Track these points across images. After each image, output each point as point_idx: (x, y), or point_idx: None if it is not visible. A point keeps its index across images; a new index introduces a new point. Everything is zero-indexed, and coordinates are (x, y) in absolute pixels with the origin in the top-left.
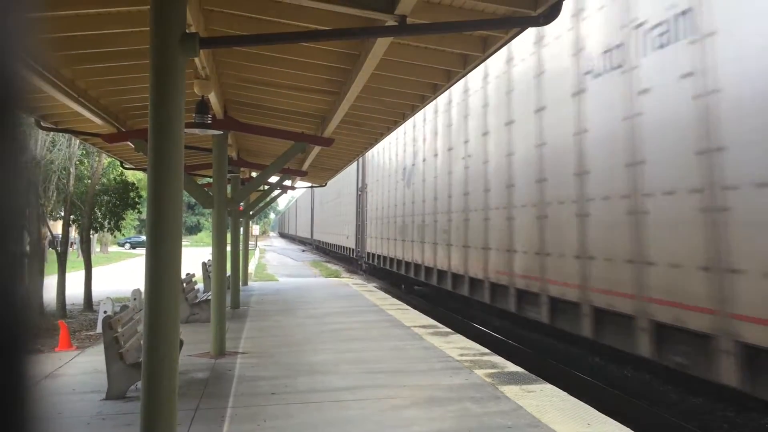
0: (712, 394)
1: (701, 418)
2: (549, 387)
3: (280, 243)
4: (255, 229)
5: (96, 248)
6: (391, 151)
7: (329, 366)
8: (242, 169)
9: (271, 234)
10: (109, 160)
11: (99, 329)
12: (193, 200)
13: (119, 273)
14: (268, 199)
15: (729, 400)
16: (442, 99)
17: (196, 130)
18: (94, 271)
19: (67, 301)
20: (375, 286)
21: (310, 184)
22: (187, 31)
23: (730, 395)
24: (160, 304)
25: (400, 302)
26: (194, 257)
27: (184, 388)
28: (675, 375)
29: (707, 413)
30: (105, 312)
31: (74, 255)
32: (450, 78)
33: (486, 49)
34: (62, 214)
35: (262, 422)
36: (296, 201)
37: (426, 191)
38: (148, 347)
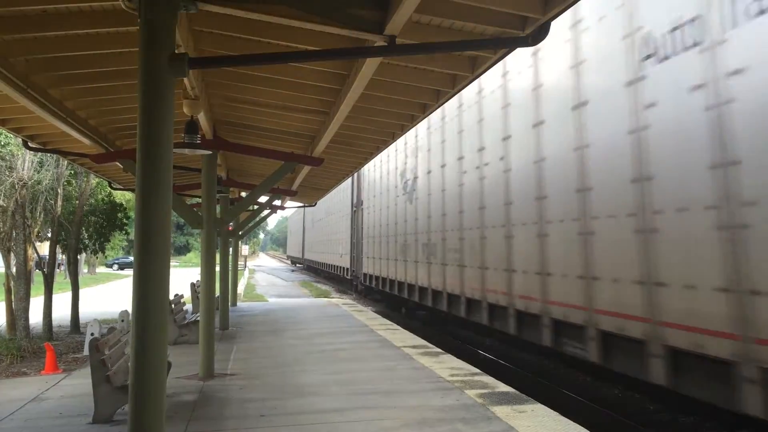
0: (705, 414)
1: None
2: (540, 407)
3: (270, 263)
4: (244, 249)
5: (83, 269)
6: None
7: (319, 387)
8: (231, 188)
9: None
10: (97, 180)
11: (86, 351)
12: (182, 220)
13: (107, 294)
14: (257, 218)
15: (721, 419)
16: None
17: (186, 150)
18: (82, 292)
19: (54, 323)
20: (372, 310)
21: (300, 204)
22: (177, 51)
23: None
24: (148, 325)
25: (390, 322)
26: (183, 278)
27: (171, 410)
28: (665, 394)
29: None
30: (92, 334)
31: (61, 276)
32: (439, 98)
33: (475, 69)
34: (49, 235)
35: None
36: (288, 221)
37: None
38: (135, 369)
